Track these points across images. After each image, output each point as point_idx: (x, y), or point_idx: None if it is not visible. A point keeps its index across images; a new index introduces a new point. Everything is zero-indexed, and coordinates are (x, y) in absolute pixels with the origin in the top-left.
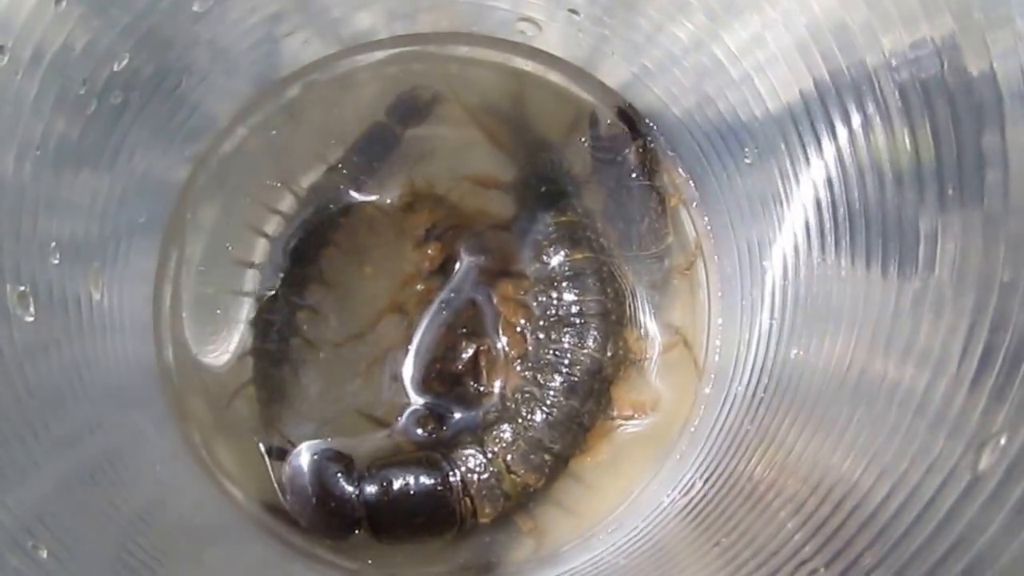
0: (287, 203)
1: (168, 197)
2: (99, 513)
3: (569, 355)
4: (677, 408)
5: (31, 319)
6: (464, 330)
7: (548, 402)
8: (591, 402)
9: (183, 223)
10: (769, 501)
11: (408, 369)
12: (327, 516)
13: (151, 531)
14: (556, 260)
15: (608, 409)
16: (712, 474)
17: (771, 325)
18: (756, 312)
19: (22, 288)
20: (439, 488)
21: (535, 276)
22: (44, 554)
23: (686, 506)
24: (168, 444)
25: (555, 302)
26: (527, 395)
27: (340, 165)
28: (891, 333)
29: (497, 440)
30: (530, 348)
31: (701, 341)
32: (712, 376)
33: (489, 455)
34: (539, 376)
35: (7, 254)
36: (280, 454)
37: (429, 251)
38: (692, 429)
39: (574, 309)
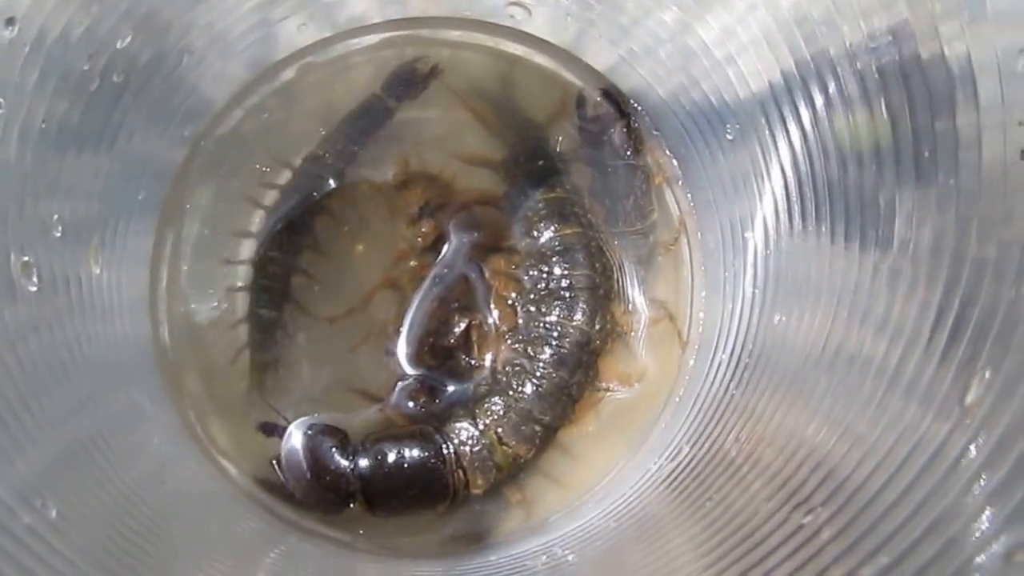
0: (282, 177)
1: (166, 177)
2: (97, 484)
3: (558, 328)
4: (662, 379)
5: (34, 289)
6: (456, 304)
7: (538, 374)
8: (579, 373)
9: (180, 203)
10: (749, 468)
11: (401, 343)
12: (322, 490)
13: (148, 502)
14: (546, 235)
15: (595, 380)
16: (696, 442)
17: (753, 295)
18: (738, 285)
19: (26, 258)
20: (433, 461)
21: (526, 251)
22: (53, 513)
23: (671, 473)
24: (164, 420)
25: (545, 276)
26: (517, 368)
27: (332, 138)
28: (866, 307)
29: (488, 412)
30: (520, 321)
31: (685, 314)
32: (696, 347)
33: (481, 427)
34: (529, 349)
35: (12, 227)
36: (274, 430)
37: (423, 228)
38: (677, 399)
39: (564, 283)
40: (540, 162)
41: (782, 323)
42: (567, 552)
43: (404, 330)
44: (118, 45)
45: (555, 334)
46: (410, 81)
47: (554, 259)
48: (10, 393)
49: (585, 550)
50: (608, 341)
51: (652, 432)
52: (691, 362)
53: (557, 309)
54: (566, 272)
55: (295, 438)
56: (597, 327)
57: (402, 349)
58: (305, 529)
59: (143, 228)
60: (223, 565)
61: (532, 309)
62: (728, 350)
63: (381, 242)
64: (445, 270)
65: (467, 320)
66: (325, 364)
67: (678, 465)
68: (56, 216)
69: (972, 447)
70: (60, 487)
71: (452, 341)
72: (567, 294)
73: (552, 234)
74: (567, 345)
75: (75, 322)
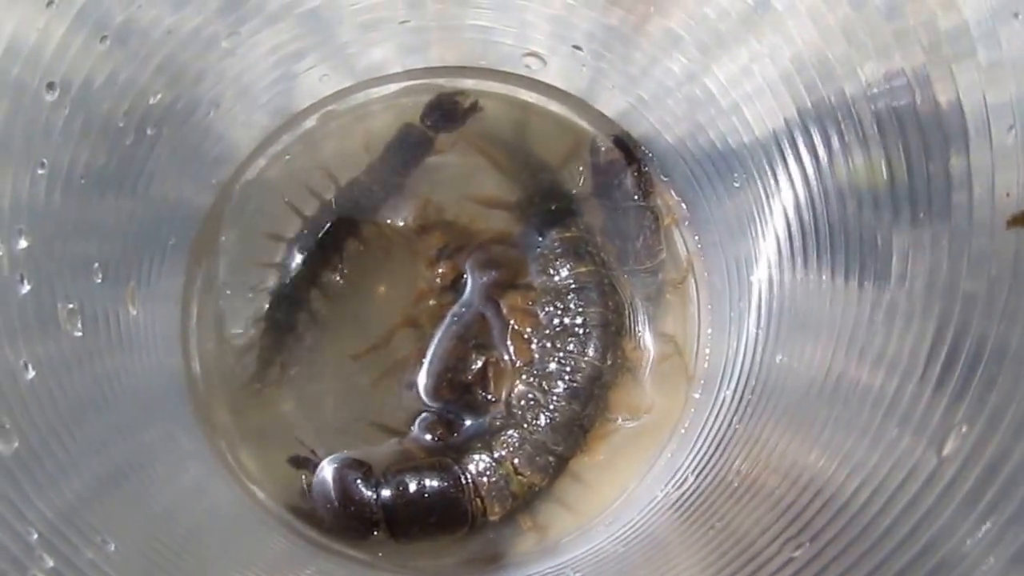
0: (311, 209)
1: (195, 221)
2: (135, 507)
3: (572, 362)
4: (669, 411)
5: (79, 334)
6: (474, 342)
7: (551, 407)
8: (591, 406)
9: (209, 244)
10: (752, 495)
11: (421, 378)
12: (348, 519)
13: (183, 523)
14: (562, 273)
15: (606, 412)
16: (701, 471)
17: (756, 334)
18: (743, 323)
19: (71, 306)
20: (452, 490)
21: (542, 288)
22: (99, 539)
23: (677, 500)
24: (196, 447)
25: (560, 312)
26: (532, 401)
27: (376, 167)
28: (865, 341)
29: (504, 444)
30: (536, 356)
31: (692, 349)
32: (702, 382)
33: (497, 458)
34: (543, 383)
35: (57, 275)
36: (304, 463)
37: (441, 269)
38: (683, 431)
39: (578, 319)
40: (554, 203)
41: (785, 360)
42: (577, 573)
43: (424, 365)
44: (151, 101)
45: (568, 368)
46: (450, 113)
47: (569, 296)
48: (55, 422)
49: (594, 572)
50: (618, 375)
51: (659, 461)
52: (697, 395)
53: (571, 345)
54: (580, 309)
55: (323, 471)
56: (608, 362)
57: (422, 383)
58: (331, 550)
59: (174, 268)
60: None
61: (547, 344)
62: (732, 386)
63: (402, 283)
64: (463, 309)
65: (484, 357)
66: (348, 398)
67: (683, 493)
68: (96, 264)
69: (963, 472)
70: (101, 510)
71: (470, 377)
72: (581, 330)
73: (567, 272)
74: (579, 379)
75: (113, 358)
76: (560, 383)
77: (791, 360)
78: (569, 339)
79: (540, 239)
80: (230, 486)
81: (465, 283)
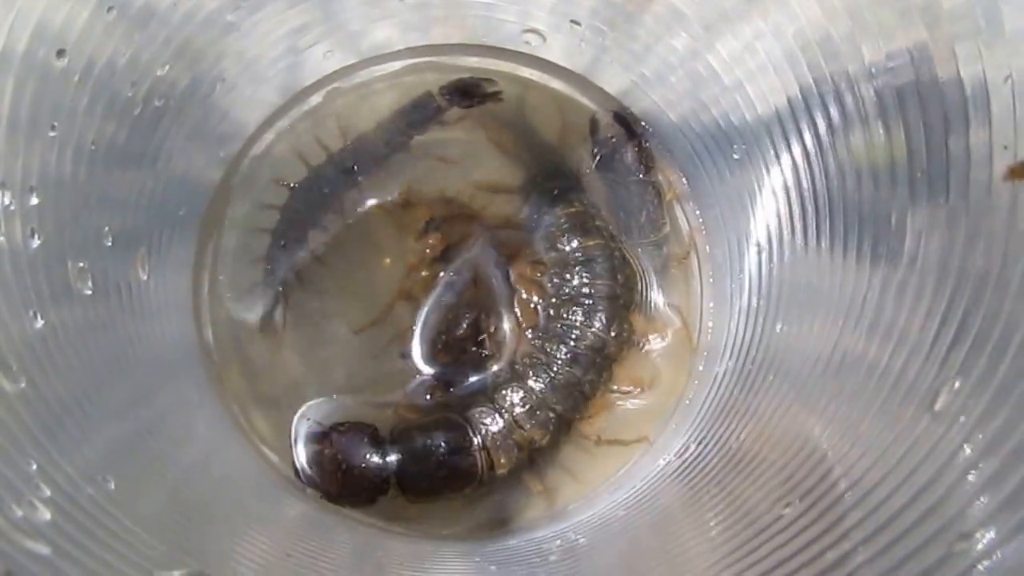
0: (317, 159)
1: (204, 194)
2: (153, 466)
3: (576, 331)
4: (673, 383)
5: (89, 292)
6: (467, 307)
7: (553, 369)
8: (592, 373)
9: (219, 216)
10: (752, 463)
11: (415, 346)
12: (356, 482)
13: (198, 482)
14: (570, 247)
15: (609, 383)
16: (703, 440)
17: (757, 306)
18: (744, 295)
19: (81, 265)
20: (459, 444)
21: (551, 261)
22: (112, 485)
23: (678, 468)
24: (210, 412)
25: (567, 283)
26: (535, 360)
27: (383, 126)
28: (867, 315)
29: (506, 398)
30: (542, 321)
31: (695, 322)
32: (705, 354)
33: (499, 409)
34: (547, 345)
35: (68, 236)
36: (312, 437)
37: (430, 240)
38: (687, 402)
39: (584, 291)
40: (558, 180)
41: (785, 332)
42: (580, 536)
43: (416, 333)
44: (158, 73)
45: (573, 335)
46: (469, 93)
47: (576, 268)
48: (75, 387)
49: (597, 535)
50: (624, 348)
51: (664, 431)
52: (700, 367)
53: (577, 314)
54: (587, 281)
55: (327, 438)
56: (613, 334)
57: (416, 352)
58: (342, 513)
59: (185, 238)
60: (262, 540)
61: (552, 312)
62: (735, 357)
63: (394, 258)
64: (454, 276)
65: (474, 312)
66: (345, 370)
67: (685, 461)
68: (107, 228)
69: (967, 447)
70: (121, 468)
71: (460, 332)
72: (587, 301)
73: (576, 245)
74: (583, 348)
75: (127, 324)
76: (563, 347)
77: (791, 333)
78: (575, 308)
79: (546, 217)
80: (243, 448)
81: (455, 254)
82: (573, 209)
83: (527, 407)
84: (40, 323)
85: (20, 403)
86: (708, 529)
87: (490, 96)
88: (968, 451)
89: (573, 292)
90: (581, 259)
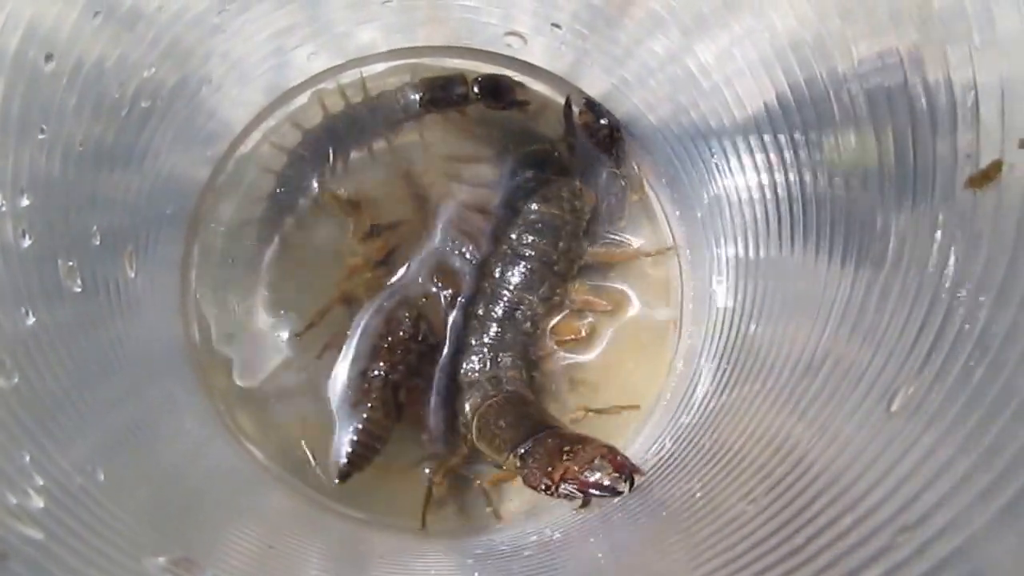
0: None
1: (191, 193)
2: (141, 461)
3: (507, 290)
4: (652, 381)
5: (79, 290)
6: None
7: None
8: (524, 325)
9: (206, 215)
10: (725, 459)
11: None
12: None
13: (186, 476)
14: (529, 207)
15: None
16: (680, 438)
17: (734, 308)
18: (723, 297)
19: (70, 263)
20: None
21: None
22: (101, 477)
23: (655, 464)
24: (197, 409)
25: (510, 241)
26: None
27: (399, 90)
28: (848, 317)
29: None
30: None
31: (675, 322)
32: (683, 352)
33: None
34: (479, 308)
35: (58, 235)
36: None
37: (376, 245)
38: (664, 400)
39: (524, 252)
40: (532, 159)
41: (762, 332)
42: (555, 532)
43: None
44: (145, 74)
45: (503, 295)
46: (500, 94)
47: (523, 227)
48: (66, 382)
49: (572, 530)
50: (553, 311)
51: (642, 430)
52: (679, 365)
53: (511, 272)
54: (528, 242)
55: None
56: (542, 297)
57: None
58: (326, 506)
59: (172, 237)
60: (250, 531)
61: (485, 270)
62: (713, 357)
63: (336, 260)
64: (400, 282)
65: (413, 311)
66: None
67: (661, 458)
68: (95, 227)
69: (947, 448)
70: (110, 460)
71: (403, 331)
72: (524, 263)
73: (535, 207)
74: (513, 302)
75: (116, 320)
76: (496, 306)
77: (769, 333)
78: (509, 266)
79: (514, 180)
80: (229, 444)
81: (397, 258)
82: (544, 176)
83: (484, 365)
84: (32, 320)
85: (14, 397)
86: (682, 523)
87: (518, 104)
88: (945, 451)
89: (511, 250)
90: (533, 220)
